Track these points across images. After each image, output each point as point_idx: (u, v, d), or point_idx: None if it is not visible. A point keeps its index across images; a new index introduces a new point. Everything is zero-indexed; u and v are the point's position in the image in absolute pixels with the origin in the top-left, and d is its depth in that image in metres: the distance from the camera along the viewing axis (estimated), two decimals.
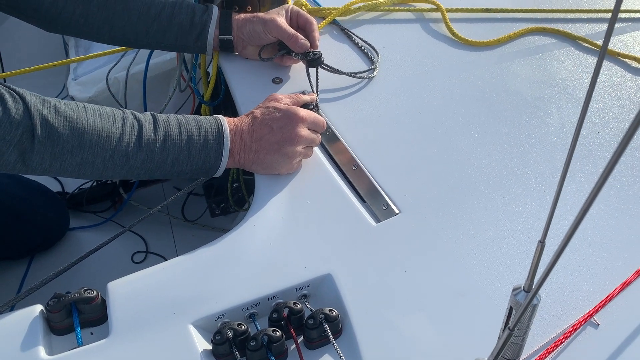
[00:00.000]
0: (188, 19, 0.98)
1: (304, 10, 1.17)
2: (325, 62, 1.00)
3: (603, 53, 0.36)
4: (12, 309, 0.70)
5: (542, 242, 0.45)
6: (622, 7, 1.23)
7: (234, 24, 1.01)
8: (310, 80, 0.99)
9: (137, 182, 1.51)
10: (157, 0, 0.99)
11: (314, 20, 1.04)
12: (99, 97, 1.45)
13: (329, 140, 0.93)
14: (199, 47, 1.02)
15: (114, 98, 1.42)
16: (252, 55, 1.05)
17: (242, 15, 1.02)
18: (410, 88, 1.04)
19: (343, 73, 1.03)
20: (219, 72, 1.12)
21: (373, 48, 1.11)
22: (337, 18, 1.18)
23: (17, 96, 0.70)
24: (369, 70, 1.06)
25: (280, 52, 1.02)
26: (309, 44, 1.00)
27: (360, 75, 1.05)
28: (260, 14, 1.01)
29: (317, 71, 1.00)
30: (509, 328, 0.45)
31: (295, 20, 1.04)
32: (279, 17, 1.00)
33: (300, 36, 0.99)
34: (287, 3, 1.05)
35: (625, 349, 0.66)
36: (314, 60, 0.99)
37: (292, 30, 0.99)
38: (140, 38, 1.01)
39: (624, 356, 0.65)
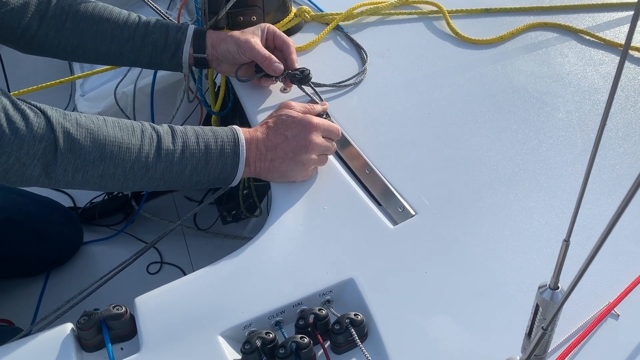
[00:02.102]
0: (162, 38, 0.99)
1: (307, 16, 1.19)
2: (319, 68, 1.01)
3: (626, 51, 0.37)
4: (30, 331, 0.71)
5: (566, 241, 0.46)
6: (620, 0, 1.24)
7: (208, 42, 1.00)
8: (309, 95, 1.00)
9: (147, 193, 1.52)
10: (130, 21, 0.99)
11: (291, 42, 1.03)
12: (108, 112, 1.46)
13: (342, 146, 0.94)
14: (174, 65, 1.01)
15: (123, 112, 1.44)
16: (227, 72, 1.04)
17: (216, 34, 1.01)
18: (417, 89, 1.05)
19: (326, 85, 1.04)
20: (227, 82, 1.14)
21: (365, 53, 1.12)
22: (340, 23, 1.19)
23: (38, 111, 0.71)
24: (355, 76, 1.07)
25: (258, 74, 1.01)
26: (282, 67, 0.99)
27: (345, 83, 1.05)
28: (235, 33, 1.00)
29: (313, 87, 1.01)
30: (542, 328, 0.46)
31: (272, 41, 1.03)
32: (254, 37, 0.99)
33: (275, 59, 0.98)
34: (263, 24, 1.03)
35: None
36: (302, 79, 0.99)
37: (266, 53, 0.98)
38: (114, 58, 1.02)
39: None
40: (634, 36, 1.15)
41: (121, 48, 1.00)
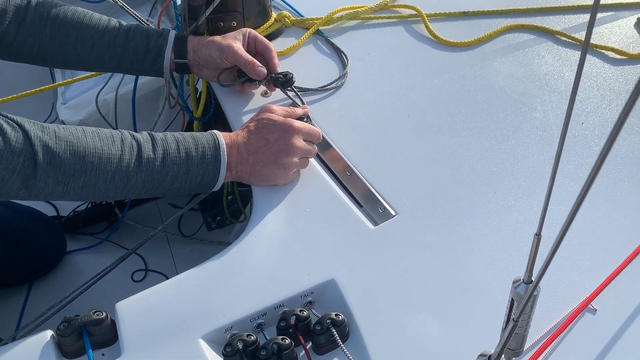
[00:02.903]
0: (143, 44, 0.99)
1: (287, 21, 1.19)
2: (300, 72, 1.01)
3: (586, 47, 0.38)
4: (13, 338, 0.70)
5: (538, 235, 0.47)
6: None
7: (189, 47, 1.00)
8: (292, 99, 1.01)
9: (130, 200, 1.51)
10: (110, 27, 0.99)
11: (272, 46, 1.03)
12: (90, 120, 1.46)
13: (323, 149, 0.95)
14: (155, 71, 1.01)
15: (105, 120, 1.43)
16: (209, 78, 1.04)
17: (198, 39, 1.01)
18: (397, 91, 1.06)
19: (310, 90, 1.05)
20: (209, 88, 1.14)
21: (346, 57, 1.13)
22: (321, 28, 1.20)
23: (15, 125, 0.71)
24: (337, 80, 1.07)
25: (241, 79, 1.01)
26: (266, 71, 0.99)
27: (329, 86, 1.06)
28: (217, 39, 1.00)
29: (295, 92, 1.01)
30: (513, 319, 0.47)
31: (254, 45, 1.03)
32: (236, 42, 0.99)
33: (258, 63, 0.98)
34: (244, 28, 1.04)
35: (624, 332, 0.68)
36: (285, 82, 1.00)
37: (249, 57, 0.98)
38: (95, 64, 1.01)
39: (623, 339, 0.67)
40: (610, 37, 1.17)
41: (102, 54, 0.99)
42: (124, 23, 1.01)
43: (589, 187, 0.33)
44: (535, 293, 0.51)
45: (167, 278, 1.38)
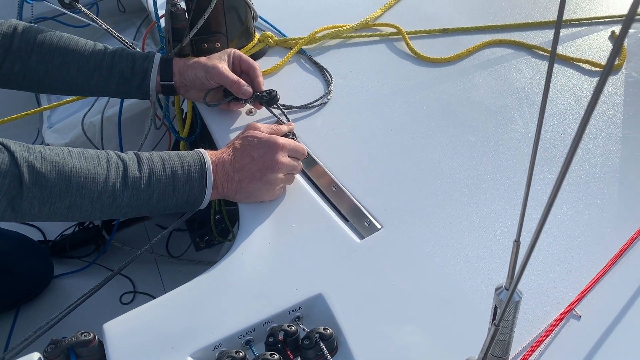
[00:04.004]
0: (129, 68, 1.00)
1: (271, 41, 1.21)
2: (284, 90, 1.03)
3: (552, 59, 0.40)
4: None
5: (517, 242, 0.48)
6: (570, 17, 1.30)
7: (175, 69, 1.01)
8: (277, 117, 1.03)
9: (118, 223, 1.51)
10: (96, 51, 1.00)
11: (257, 65, 1.05)
12: (76, 143, 1.46)
13: (308, 165, 0.96)
14: (141, 93, 1.02)
15: (91, 142, 1.44)
16: (196, 99, 1.05)
17: (183, 61, 1.02)
18: (379, 108, 1.08)
19: (296, 107, 1.06)
20: (194, 108, 1.15)
21: (329, 74, 1.15)
22: (304, 47, 1.22)
23: (1, 146, 0.71)
24: (322, 97, 1.09)
25: (227, 99, 1.03)
26: (251, 90, 1.01)
27: (315, 103, 1.08)
28: (202, 60, 1.02)
29: (281, 109, 1.03)
30: (494, 324, 0.47)
31: (239, 65, 1.05)
32: (221, 62, 1.01)
33: (244, 82, 1.00)
34: (229, 49, 1.06)
35: (608, 337, 0.69)
36: (270, 100, 1.02)
37: (234, 77, 1.00)
38: (81, 88, 1.02)
39: (607, 343, 0.68)
40: (585, 50, 1.20)
41: (88, 78, 1.00)
42: (110, 47, 1.02)
43: (558, 190, 0.34)
44: (516, 298, 0.52)
45: None
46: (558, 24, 0.36)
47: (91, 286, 1.43)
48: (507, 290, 0.52)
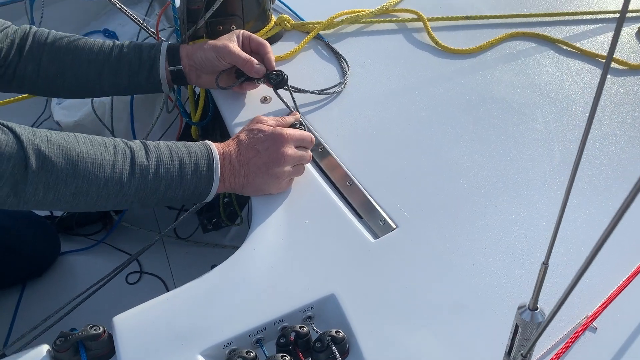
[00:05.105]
0: (136, 57, 0.99)
1: (288, 25, 1.18)
2: (299, 77, 1.00)
3: (608, 64, 0.36)
4: (6, 343, 0.69)
5: (545, 264, 0.47)
6: (599, 9, 1.26)
7: (182, 53, 1.00)
8: (284, 102, 1.00)
9: None
10: (104, 46, 1.00)
11: (266, 43, 1.03)
12: (85, 121, 1.44)
13: (322, 157, 0.94)
14: (152, 83, 1.00)
15: (101, 121, 1.41)
16: (208, 84, 1.04)
17: (190, 46, 1.01)
18: (397, 100, 1.05)
19: (308, 92, 1.03)
20: (207, 92, 1.12)
21: (346, 62, 1.12)
22: (321, 32, 1.19)
23: (6, 129, 0.70)
24: (337, 84, 1.06)
25: (239, 79, 1.01)
26: (264, 68, 0.99)
27: (329, 91, 1.05)
28: (211, 41, 1.00)
29: (290, 91, 1.00)
30: (522, 355, 0.46)
31: (248, 45, 1.02)
32: (231, 42, 0.99)
33: (255, 61, 0.98)
34: (237, 30, 1.03)
35: (626, 352, 0.68)
36: (278, 83, 0.99)
37: (246, 55, 0.98)
38: (93, 84, 1.02)
39: (625, 358, 0.67)
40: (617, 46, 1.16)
41: (99, 73, 1.00)
42: (117, 42, 1.02)
43: (619, 220, 0.32)
44: (539, 320, 0.51)
45: (162, 280, 1.39)
46: (618, 30, 0.33)
47: (98, 264, 1.43)
48: (531, 310, 0.51)
